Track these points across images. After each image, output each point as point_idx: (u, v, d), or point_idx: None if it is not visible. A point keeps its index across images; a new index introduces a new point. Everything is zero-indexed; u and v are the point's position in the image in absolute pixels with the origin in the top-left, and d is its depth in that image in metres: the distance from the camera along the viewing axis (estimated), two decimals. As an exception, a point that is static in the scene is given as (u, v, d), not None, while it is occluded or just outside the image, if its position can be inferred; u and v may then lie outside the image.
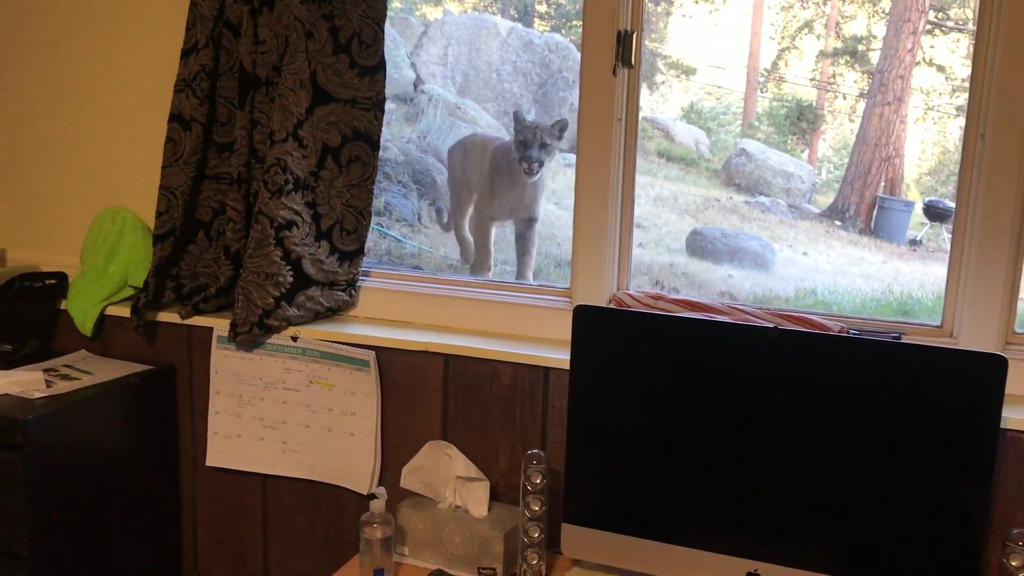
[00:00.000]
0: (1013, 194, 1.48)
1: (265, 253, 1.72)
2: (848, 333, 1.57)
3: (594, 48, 1.67)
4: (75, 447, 1.66)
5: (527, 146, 2.76)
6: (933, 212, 8.95)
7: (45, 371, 1.76)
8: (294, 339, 1.77)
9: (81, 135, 2.00)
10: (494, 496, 1.66)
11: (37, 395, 1.65)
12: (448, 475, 1.64)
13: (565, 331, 1.72)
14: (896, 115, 8.59)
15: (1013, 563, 1.32)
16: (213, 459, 1.86)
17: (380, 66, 1.77)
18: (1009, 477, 1.43)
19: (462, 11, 3.98)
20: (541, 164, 2.82)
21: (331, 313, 1.85)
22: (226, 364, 1.82)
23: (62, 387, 1.70)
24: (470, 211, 3.16)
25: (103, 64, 1.96)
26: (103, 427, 1.72)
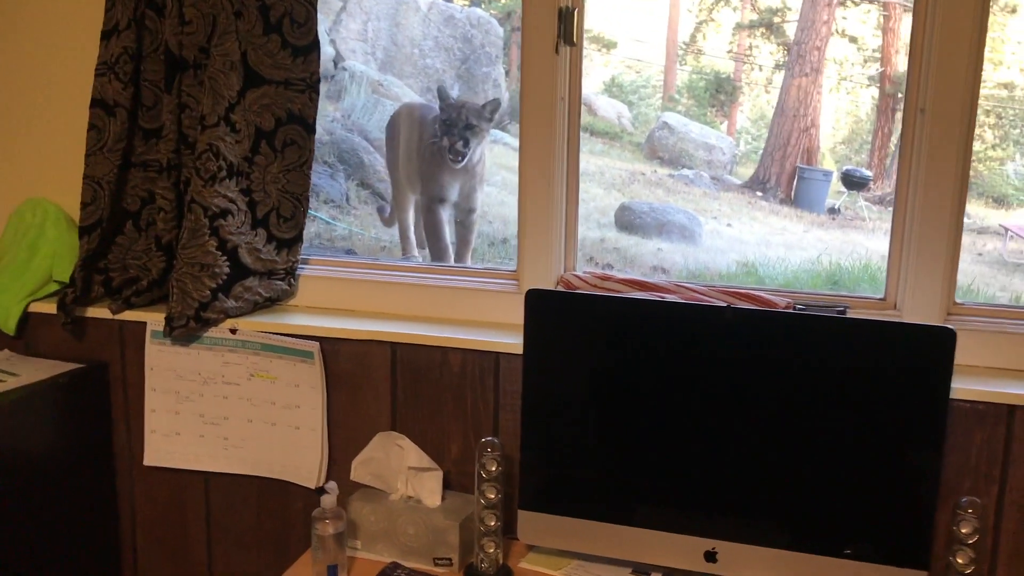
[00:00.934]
0: (953, 167, 1.51)
1: (200, 243, 1.65)
2: (794, 309, 1.59)
3: (536, 26, 1.64)
4: (5, 453, 1.58)
5: (450, 127, 2.66)
6: (850, 181, 9.19)
7: (-34, 374, 1.67)
8: (233, 332, 1.71)
9: (-5, 122, 1.89)
10: (446, 485, 1.63)
11: (-40, 400, 1.56)
12: (400, 466, 1.60)
13: (514, 315, 1.70)
14: (813, 86, 8.77)
15: (963, 530, 1.35)
16: (152, 458, 1.79)
17: (314, 45, 1.70)
18: (956, 446, 1.46)
19: (380, -15, 3.89)
20: (467, 146, 2.71)
21: (270, 303, 1.78)
22: (161, 360, 1.75)
23: (-14, 390, 1.61)
24: (413, 198, 3.03)
25: (16, 48, 1.85)
26: (33, 431, 1.64)
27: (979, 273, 6.38)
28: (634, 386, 1.43)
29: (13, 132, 1.88)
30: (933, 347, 1.30)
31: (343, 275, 1.83)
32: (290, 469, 1.73)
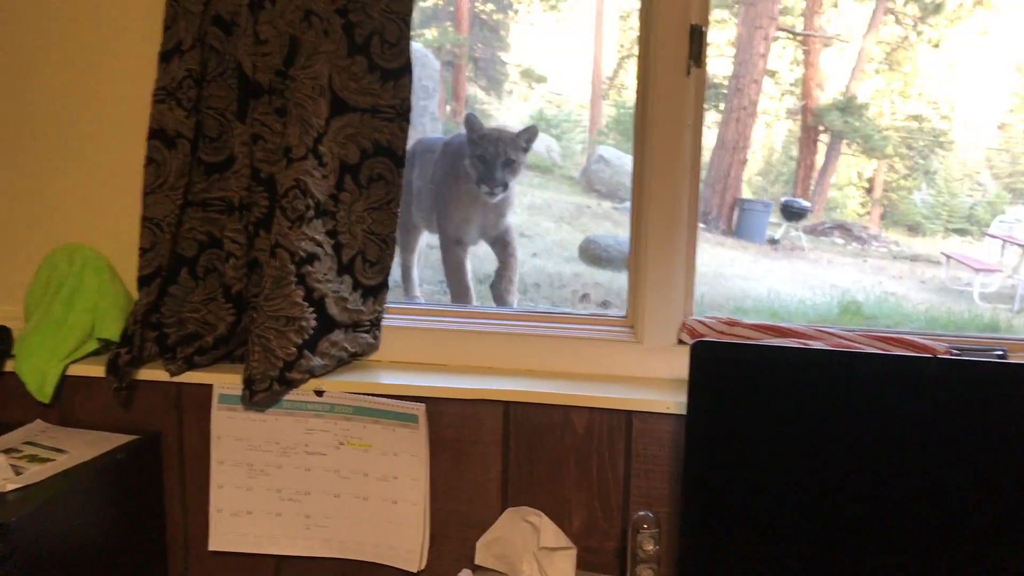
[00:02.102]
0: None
1: (286, 293, 1.43)
2: (952, 354, 1.47)
3: (663, 46, 1.48)
4: (61, 545, 1.31)
5: (488, 164, 2.45)
6: (789, 212, 9.29)
7: (5, 453, 1.40)
8: (319, 393, 1.49)
9: (27, 156, 1.63)
10: (572, 562, 1.44)
11: (10, 487, 1.29)
12: (529, 545, 1.41)
13: (631, 367, 1.54)
14: (750, 119, 8.87)
15: None
16: (219, 542, 1.54)
17: (406, 68, 1.51)
18: None
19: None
20: (505, 187, 2.52)
21: (354, 359, 1.57)
22: (231, 428, 1.51)
23: (34, 472, 1.34)
24: (421, 236, 2.83)
25: (49, 73, 1.60)
26: (91, 516, 1.38)
27: (929, 300, 6.50)
28: (827, 449, 1.27)
29: (43, 170, 1.62)
30: None
31: (427, 325, 1.62)
32: (384, 549, 1.51)
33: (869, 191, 10.70)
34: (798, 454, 1.28)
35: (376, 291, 1.56)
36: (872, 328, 1.55)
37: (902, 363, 1.25)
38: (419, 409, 1.47)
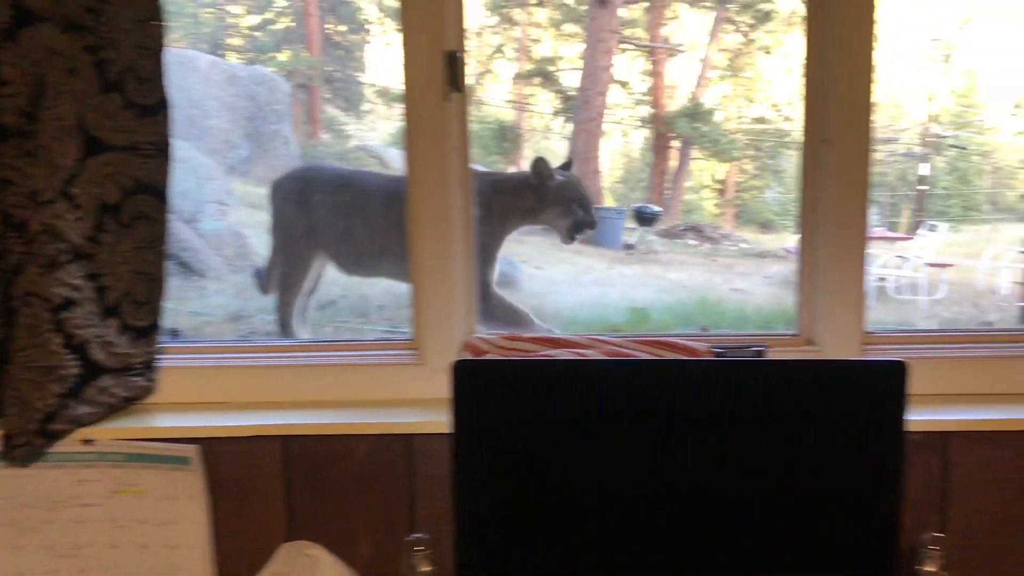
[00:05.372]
0: (858, 193, 1.50)
1: (41, 342, 1.37)
2: (715, 353, 1.53)
3: (419, 71, 1.50)
4: None
5: (587, 207, 2.41)
6: (642, 217, 9.54)
7: None
8: (87, 443, 1.44)
9: None
10: (362, 591, 1.44)
11: None
12: (311, 578, 1.39)
13: (417, 389, 1.55)
14: (599, 130, 9.08)
15: (927, 569, 1.32)
16: (-11, 609, 1.47)
17: (162, 104, 1.48)
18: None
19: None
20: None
21: (128, 404, 1.52)
22: (-6, 487, 1.44)
23: None
24: (314, 274, 2.70)
25: None
26: None
27: (771, 295, 6.79)
28: (583, 458, 1.30)
29: None
30: (885, 382, 1.27)
31: (209, 363, 1.59)
32: (169, 597, 1.47)
33: (723, 192, 11.11)
34: (564, 465, 1.31)
35: (147, 332, 1.51)
36: (645, 334, 1.60)
37: (649, 368, 1.29)
38: (192, 451, 1.43)
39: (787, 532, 1.30)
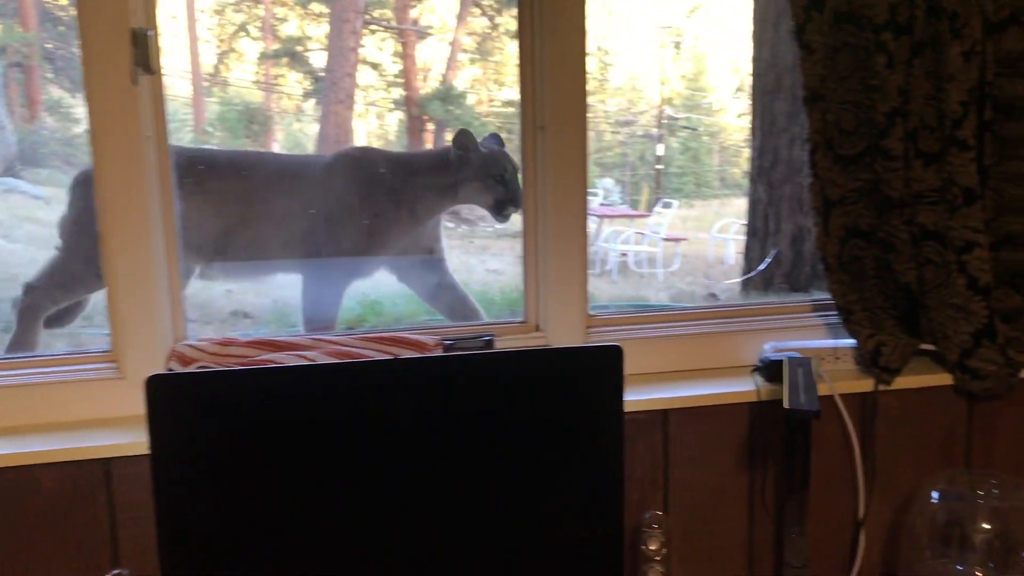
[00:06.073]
0: (577, 180, 1.50)
1: None
2: (443, 346, 1.49)
3: (102, 52, 1.34)
4: None
5: (510, 185, 2.12)
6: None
7: None
8: None
9: None
10: (60, 638, 1.28)
11: None
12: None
13: (119, 406, 1.40)
14: (349, 112, 8.93)
15: (651, 547, 1.34)
16: None
17: None
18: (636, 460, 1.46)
19: None
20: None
21: None
22: None
23: None
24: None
25: None
26: None
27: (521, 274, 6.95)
28: (296, 469, 1.21)
29: None
30: (604, 366, 1.27)
31: None
32: None
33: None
34: (274, 479, 1.21)
35: None
36: (372, 330, 1.53)
37: (365, 369, 1.22)
38: None
39: (516, 524, 1.28)
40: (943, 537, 1.42)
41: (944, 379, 1.55)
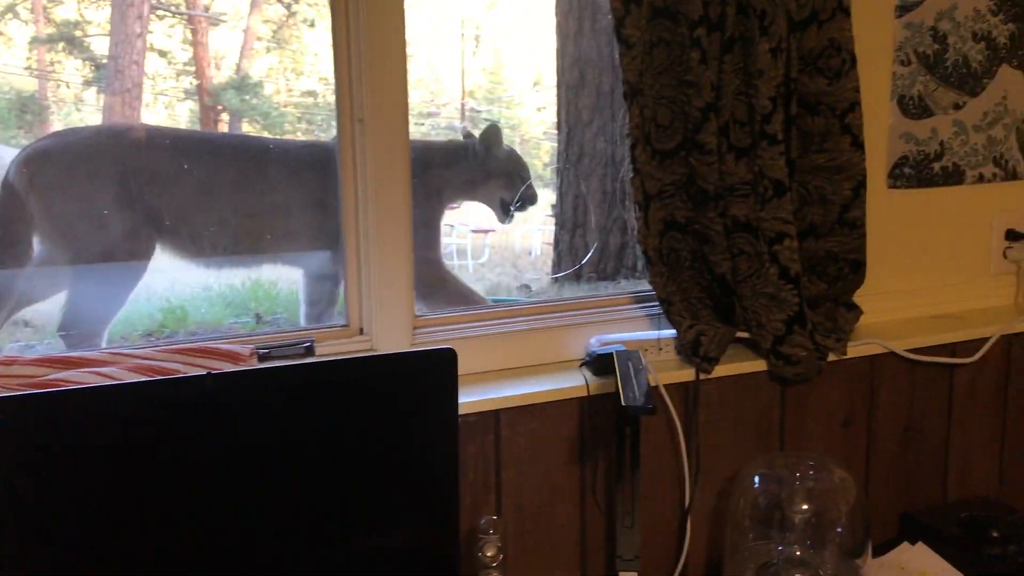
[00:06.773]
0: (400, 174, 1.44)
1: None
2: (259, 354, 1.40)
3: None
4: None
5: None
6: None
7: None
8: None
9: None
10: None
11: None
12: None
13: None
14: (137, 102, 8.43)
15: (488, 553, 1.31)
16: None
17: None
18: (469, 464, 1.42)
19: None
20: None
21: None
22: None
23: None
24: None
25: None
26: None
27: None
28: (109, 498, 1.09)
29: None
30: (437, 370, 1.22)
31: None
32: None
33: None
34: (87, 507, 1.09)
35: None
36: (178, 341, 1.41)
37: (170, 387, 1.12)
38: None
39: (348, 539, 1.22)
40: (764, 519, 1.47)
41: (759, 365, 1.60)
